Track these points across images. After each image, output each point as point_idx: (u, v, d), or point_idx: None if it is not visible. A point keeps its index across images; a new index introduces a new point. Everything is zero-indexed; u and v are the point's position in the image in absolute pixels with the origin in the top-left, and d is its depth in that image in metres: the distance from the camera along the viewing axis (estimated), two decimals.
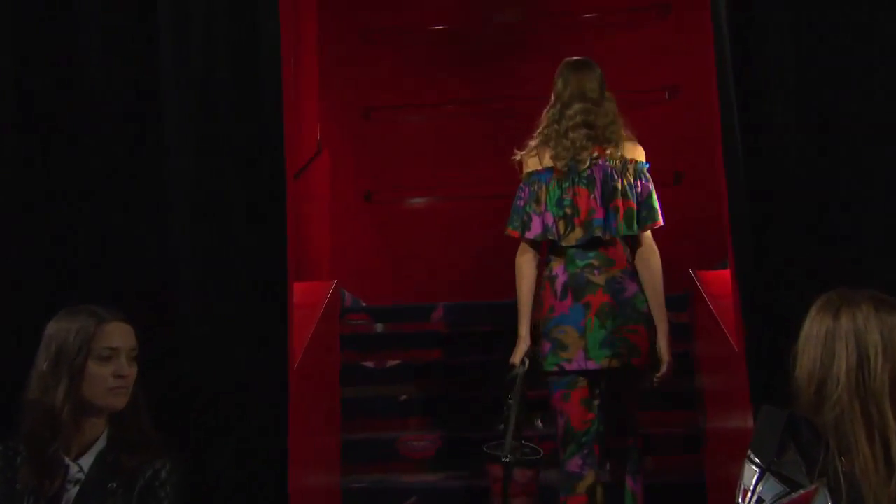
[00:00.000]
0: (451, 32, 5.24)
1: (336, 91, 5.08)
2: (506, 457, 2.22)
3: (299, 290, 2.76)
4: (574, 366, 2.35)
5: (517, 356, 2.40)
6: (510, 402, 2.29)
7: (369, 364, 3.82)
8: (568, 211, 2.42)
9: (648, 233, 2.49)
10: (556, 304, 2.38)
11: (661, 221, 2.49)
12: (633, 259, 2.48)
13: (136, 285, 2.23)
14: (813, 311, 1.50)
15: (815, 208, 2.09)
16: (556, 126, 2.49)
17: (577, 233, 2.41)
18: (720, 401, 2.88)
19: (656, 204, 2.48)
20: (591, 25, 5.26)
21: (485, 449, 2.30)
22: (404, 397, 3.70)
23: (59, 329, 1.74)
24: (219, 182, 2.30)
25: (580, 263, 2.40)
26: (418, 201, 5.38)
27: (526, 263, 2.46)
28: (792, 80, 2.13)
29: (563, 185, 2.44)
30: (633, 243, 2.49)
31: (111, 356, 1.73)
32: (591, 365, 2.34)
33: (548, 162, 2.47)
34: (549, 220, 2.42)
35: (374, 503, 3.23)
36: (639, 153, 2.53)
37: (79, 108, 2.31)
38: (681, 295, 3.57)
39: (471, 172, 5.13)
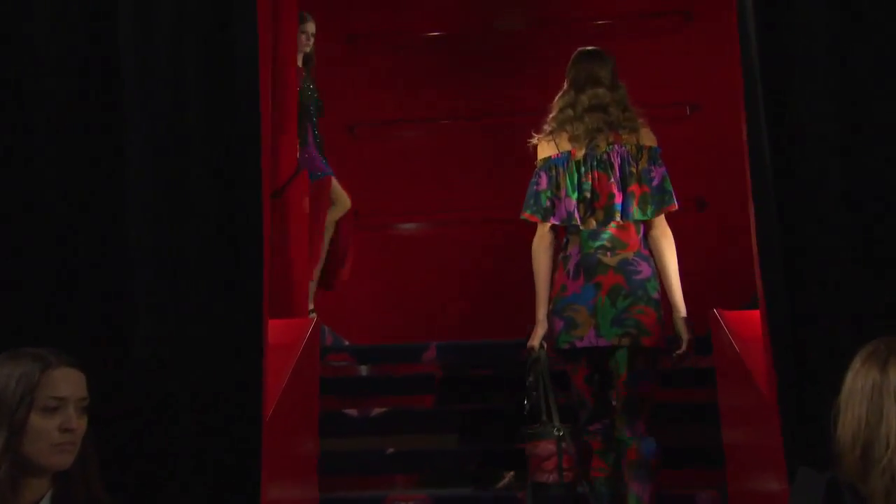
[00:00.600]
0: (447, 39, 5.28)
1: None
2: (559, 431, 2.63)
3: (275, 328, 2.75)
4: (585, 343, 2.65)
5: (535, 339, 2.74)
6: (531, 380, 2.67)
7: (352, 412, 3.79)
8: (588, 195, 2.72)
9: (663, 216, 2.76)
10: (569, 283, 2.69)
11: (675, 205, 2.76)
12: (649, 242, 2.76)
13: (89, 324, 2.22)
14: (857, 363, 1.49)
15: (857, 238, 2.11)
16: (570, 111, 2.79)
17: (598, 216, 2.71)
18: (749, 458, 2.86)
19: (670, 188, 2.76)
20: (603, 33, 5.29)
21: (528, 431, 2.69)
22: (391, 450, 3.67)
23: None
24: (187, 202, 2.31)
25: (593, 245, 2.69)
26: (408, 226, 5.38)
27: (544, 250, 2.76)
28: (829, 92, 2.15)
29: (582, 170, 2.73)
30: (648, 226, 2.76)
31: (58, 407, 1.70)
32: (602, 342, 2.64)
33: (565, 146, 2.77)
34: (571, 205, 2.72)
35: None
36: (651, 139, 2.83)
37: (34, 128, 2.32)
38: (703, 337, 3.58)
39: (468, 195, 5.14)
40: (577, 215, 2.71)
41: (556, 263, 2.76)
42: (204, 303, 2.28)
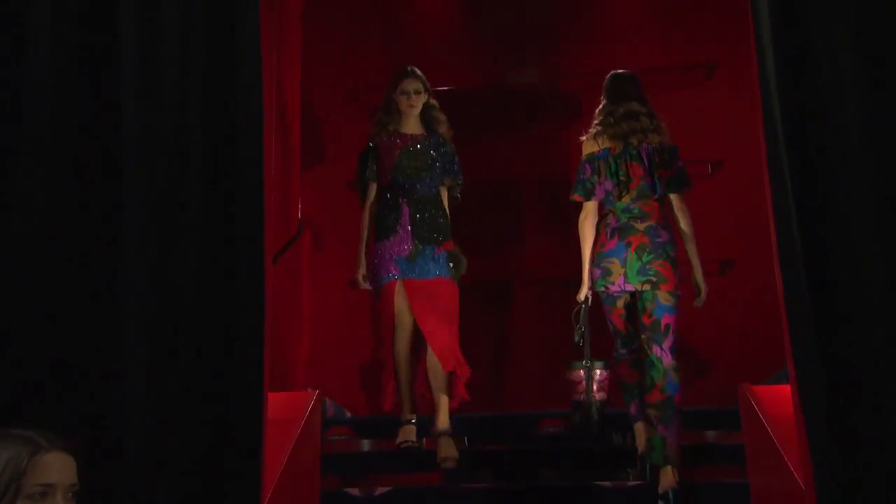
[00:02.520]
0: (456, 95, 5.32)
1: (320, 159, 5.15)
2: (587, 363, 3.66)
3: (274, 402, 2.75)
4: (616, 287, 3.65)
5: (582, 294, 3.76)
6: (581, 329, 3.69)
7: (354, 492, 3.75)
8: (622, 179, 3.70)
9: (682, 195, 3.73)
10: (607, 242, 3.68)
11: (691, 186, 3.75)
12: (673, 215, 3.73)
13: (82, 407, 2.22)
14: None
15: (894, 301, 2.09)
16: (609, 118, 3.78)
17: (631, 194, 3.68)
18: None
19: (687, 175, 3.76)
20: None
21: (568, 366, 3.72)
22: None
23: None
24: (183, 272, 2.32)
25: (626, 216, 3.68)
26: None
27: (589, 224, 3.76)
28: (857, 149, 2.16)
29: (619, 162, 3.72)
30: (670, 204, 3.73)
31: (46, 495, 1.69)
32: (629, 287, 3.63)
33: (605, 144, 3.76)
34: (609, 186, 3.71)
35: None
36: (670, 141, 3.80)
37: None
38: (731, 410, 3.55)
39: (477, 257, 5.14)
40: (614, 194, 3.69)
41: (598, 231, 3.75)
42: (199, 382, 2.27)
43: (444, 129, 4.15)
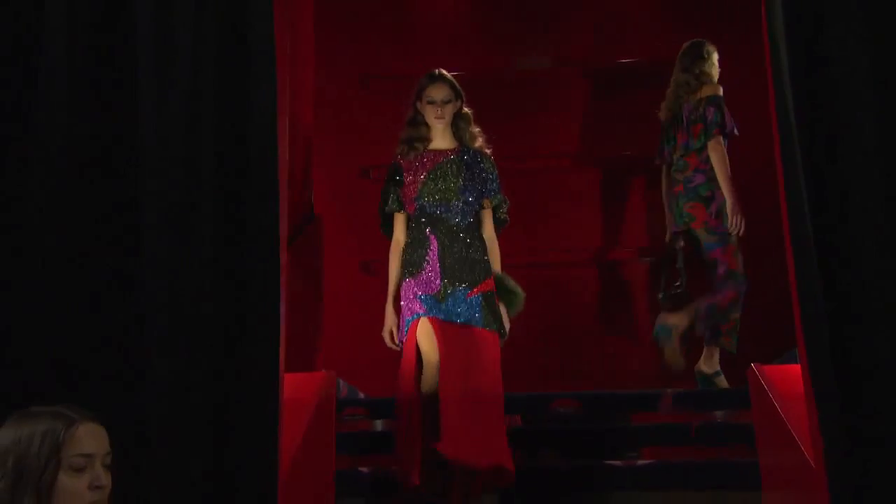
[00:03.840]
0: (462, 82, 5.31)
1: (332, 146, 5.14)
2: (676, 290, 4.12)
3: (290, 382, 2.75)
4: (673, 228, 4.27)
5: (668, 235, 4.32)
6: (679, 266, 4.13)
7: (364, 470, 3.76)
8: (671, 141, 4.28)
9: (712, 141, 4.09)
10: (668, 195, 4.31)
11: (719, 132, 4.08)
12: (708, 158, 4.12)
13: (105, 380, 2.23)
14: None
15: None
16: (669, 90, 4.31)
17: (678, 151, 4.22)
18: None
19: (717, 119, 4.09)
20: (625, 77, 5.34)
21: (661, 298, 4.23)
22: None
23: (18, 437, 1.68)
24: (203, 255, 2.33)
25: (675, 171, 4.24)
26: None
27: (664, 184, 4.36)
28: (871, 136, 2.16)
29: (670, 127, 4.29)
30: (705, 151, 4.13)
31: (85, 465, 1.70)
32: (675, 228, 4.24)
33: (665, 115, 4.35)
34: (668, 150, 4.30)
35: None
36: (712, 89, 4.20)
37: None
38: (740, 389, 3.54)
39: None
40: (674, 155, 4.22)
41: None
42: (217, 362, 2.28)
43: (479, 143, 3.48)
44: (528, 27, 5.41)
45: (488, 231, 3.45)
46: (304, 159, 4.66)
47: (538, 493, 3.45)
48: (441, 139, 3.46)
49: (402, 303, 3.38)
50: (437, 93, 3.43)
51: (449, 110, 3.42)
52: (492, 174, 3.45)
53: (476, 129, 3.49)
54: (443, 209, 3.35)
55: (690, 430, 3.79)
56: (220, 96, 2.37)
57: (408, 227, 3.44)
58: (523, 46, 5.43)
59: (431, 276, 3.30)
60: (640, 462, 3.71)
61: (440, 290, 3.27)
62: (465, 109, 3.50)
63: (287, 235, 3.02)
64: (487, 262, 3.37)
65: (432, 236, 3.33)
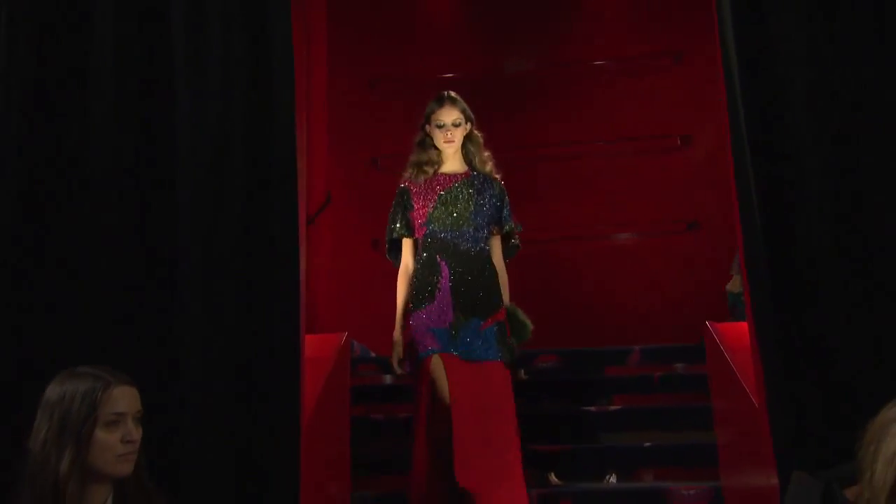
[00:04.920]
0: (460, 82, 5.30)
1: (344, 139, 5.13)
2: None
3: (310, 343, 2.76)
4: None
5: None
6: None
7: (379, 417, 3.79)
8: None
9: None
10: None
11: None
12: None
13: (144, 341, 2.22)
14: (894, 414, 1.38)
15: (838, 253, 2.08)
16: None
17: None
18: (740, 457, 2.84)
19: None
20: (602, 74, 5.32)
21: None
22: None
23: (63, 394, 1.68)
24: (231, 235, 2.32)
25: None
26: None
27: None
28: (807, 123, 2.14)
29: None
30: None
31: (118, 422, 1.70)
32: None
33: None
34: None
35: None
36: None
37: (91, 161, 2.34)
38: (696, 345, 3.56)
39: None
40: None
41: None
42: (244, 325, 2.27)
43: (490, 167, 3.00)
44: (515, 34, 5.39)
45: (497, 258, 2.95)
46: (320, 149, 4.65)
47: (532, 434, 3.49)
48: (451, 163, 2.98)
49: (413, 333, 2.86)
50: (447, 116, 2.95)
51: (459, 133, 2.95)
52: (503, 200, 2.97)
53: (486, 154, 3.02)
54: (454, 235, 2.86)
55: (654, 380, 3.82)
56: (246, 94, 2.35)
57: (416, 253, 2.94)
58: (509, 51, 5.41)
59: (443, 307, 2.80)
60: (612, 408, 3.73)
61: (452, 323, 2.78)
62: (476, 132, 3.03)
63: (306, 215, 3.03)
64: (500, 290, 2.89)
65: (443, 263, 2.84)
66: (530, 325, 2.91)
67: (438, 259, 2.85)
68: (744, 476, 2.77)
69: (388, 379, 4.25)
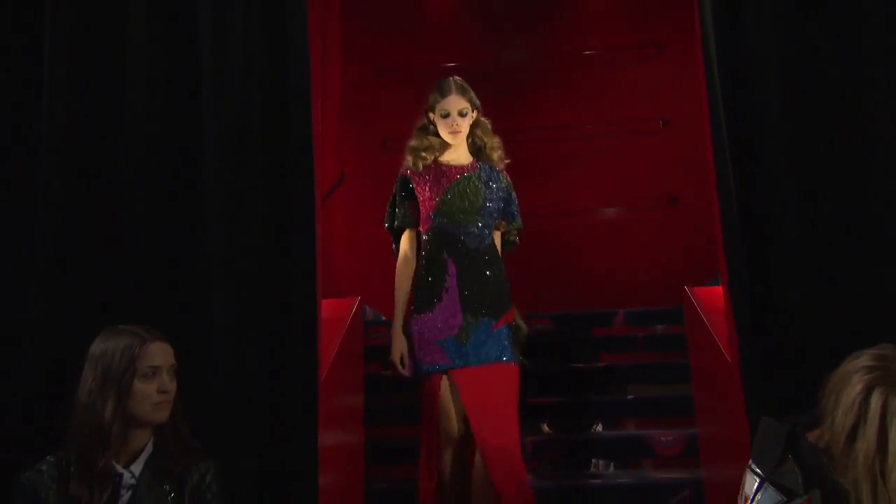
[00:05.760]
0: (462, 71, 5.26)
1: (356, 123, 5.11)
2: None
3: (326, 307, 2.77)
4: None
5: None
6: None
7: (389, 373, 3.80)
8: None
9: None
10: None
11: None
12: None
13: (176, 305, 2.23)
14: (858, 362, 1.37)
15: (806, 224, 2.09)
16: None
17: None
18: (715, 408, 2.85)
19: None
20: (590, 63, 5.28)
21: None
22: None
23: (105, 349, 1.73)
24: (254, 210, 2.31)
25: None
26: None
27: None
28: (777, 108, 2.14)
29: None
30: None
31: (154, 374, 1.73)
32: None
33: None
34: None
35: (395, 501, 3.22)
36: None
37: (127, 142, 2.34)
38: (675, 308, 3.57)
39: None
40: None
41: None
42: (268, 290, 2.28)
43: (496, 156, 2.59)
44: (511, 25, 5.35)
45: (501, 258, 2.56)
46: (334, 133, 4.63)
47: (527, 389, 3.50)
48: (457, 153, 2.56)
49: (418, 340, 2.43)
50: (453, 105, 2.52)
51: (465, 124, 2.53)
52: (510, 194, 2.59)
53: (496, 140, 2.61)
54: (462, 230, 2.46)
55: (637, 339, 3.83)
56: (266, 83, 2.34)
57: (420, 247, 2.54)
58: (506, 41, 5.37)
59: (452, 308, 2.41)
60: (599, 364, 3.75)
61: (462, 327, 2.40)
62: (483, 119, 2.61)
63: (322, 192, 3.02)
64: (507, 288, 2.50)
65: (450, 260, 2.46)
66: (525, 328, 2.54)
67: (445, 256, 2.45)
68: (717, 424, 2.79)
69: None
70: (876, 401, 1.32)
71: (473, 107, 2.59)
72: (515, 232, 2.66)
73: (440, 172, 2.56)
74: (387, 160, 5.37)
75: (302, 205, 2.32)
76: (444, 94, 2.57)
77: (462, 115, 2.55)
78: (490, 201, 2.54)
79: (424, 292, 2.47)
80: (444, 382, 2.40)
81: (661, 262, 4.75)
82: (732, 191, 2.16)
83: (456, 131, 2.55)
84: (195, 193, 2.31)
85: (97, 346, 1.74)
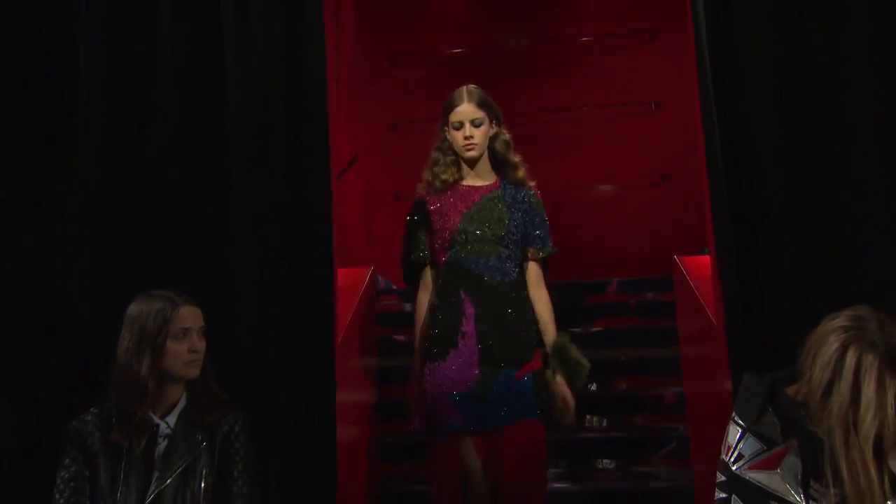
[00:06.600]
0: (467, 56, 5.23)
1: (368, 106, 5.09)
2: None
3: (342, 276, 2.78)
4: None
5: None
6: None
7: (401, 338, 3.83)
8: None
9: None
10: None
11: None
12: None
13: (205, 272, 2.25)
14: (834, 323, 1.36)
15: (788, 199, 2.09)
16: None
17: None
18: (701, 367, 2.87)
19: None
20: (587, 49, 5.24)
21: None
22: None
23: (140, 312, 1.75)
24: (276, 187, 2.32)
25: None
26: None
27: None
28: (765, 92, 2.13)
29: None
30: None
31: (185, 334, 1.75)
32: None
33: None
34: None
35: (406, 455, 3.26)
36: None
37: (160, 130, 2.34)
38: (665, 277, 3.57)
39: None
40: None
41: None
42: (288, 260, 2.29)
43: (521, 173, 2.16)
44: (513, 11, 5.30)
45: (535, 285, 2.10)
46: (348, 114, 4.61)
47: None
48: (475, 172, 2.13)
49: (430, 394, 2.04)
50: (464, 113, 2.11)
51: (481, 134, 2.10)
52: (539, 215, 2.13)
53: (517, 158, 2.18)
54: (481, 263, 2.04)
55: (629, 306, 3.84)
56: (284, 68, 2.33)
57: (434, 284, 2.12)
58: (508, 28, 5.33)
59: (468, 356, 1.99)
60: (594, 329, 3.76)
61: (478, 380, 1.98)
62: (504, 132, 2.18)
63: (337, 170, 3.01)
64: (535, 329, 2.07)
65: (467, 299, 2.04)
66: (587, 364, 2.08)
67: (462, 294, 2.04)
68: (703, 382, 2.81)
69: (407, 307, 4.29)
70: (850, 358, 1.33)
71: (492, 118, 2.17)
72: (545, 258, 2.14)
73: (458, 195, 2.13)
74: (397, 140, 5.39)
75: (319, 182, 2.33)
76: (455, 103, 2.17)
77: (476, 125, 2.13)
78: (515, 227, 2.10)
79: (437, 337, 2.06)
80: (467, 445, 1.97)
81: (653, 235, 4.74)
82: (721, 168, 2.15)
83: (470, 145, 2.12)
84: (220, 174, 2.31)
85: (133, 310, 1.77)
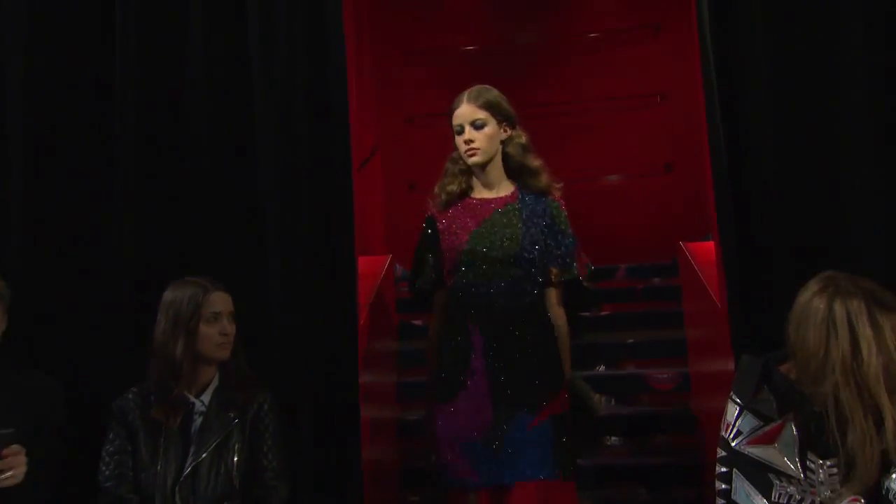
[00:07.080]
0: (479, 52, 5.22)
1: (385, 101, 5.10)
2: None
3: (362, 263, 2.80)
4: None
5: None
6: None
7: (418, 322, 3.86)
8: None
9: None
10: None
11: None
12: None
13: (236, 259, 2.28)
14: (810, 291, 1.39)
15: (788, 187, 2.08)
16: None
17: None
18: (705, 348, 2.87)
19: None
20: (595, 44, 5.21)
21: None
22: None
23: (174, 297, 1.79)
24: (300, 179, 2.34)
25: None
26: None
27: None
28: (767, 84, 2.12)
29: None
30: None
31: (216, 318, 1.79)
32: None
33: None
34: None
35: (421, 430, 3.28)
36: None
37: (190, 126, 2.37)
38: (671, 262, 3.56)
39: None
40: None
41: None
42: (312, 247, 2.31)
43: (543, 181, 1.81)
44: (536, 5, 5.29)
45: (555, 313, 1.77)
46: (366, 110, 4.62)
47: None
48: (486, 182, 1.81)
49: (437, 439, 1.75)
50: (463, 115, 1.80)
51: (484, 137, 1.77)
52: (563, 231, 1.79)
53: (537, 162, 1.84)
54: (492, 286, 1.71)
55: (636, 291, 3.84)
56: (306, 66, 2.33)
57: (445, 309, 1.80)
58: (520, 26, 5.30)
59: (478, 398, 1.68)
60: (603, 313, 3.76)
61: (491, 426, 1.66)
62: (518, 133, 1.84)
63: (357, 162, 3.03)
64: (558, 364, 1.73)
65: (475, 330, 1.73)
66: (599, 409, 1.80)
67: (469, 325, 1.71)
68: (706, 363, 2.81)
69: None
70: (839, 309, 1.35)
71: (499, 118, 1.85)
72: (586, 276, 1.77)
73: (468, 210, 1.81)
74: (413, 134, 5.39)
75: (340, 174, 2.34)
76: (454, 106, 1.87)
77: (478, 127, 1.81)
78: (530, 243, 1.75)
79: (446, 374, 1.74)
80: (472, 501, 1.68)
81: (658, 223, 4.73)
82: (724, 158, 2.15)
83: (472, 149, 1.79)
84: (248, 167, 2.34)
85: (168, 296, 1.81)
